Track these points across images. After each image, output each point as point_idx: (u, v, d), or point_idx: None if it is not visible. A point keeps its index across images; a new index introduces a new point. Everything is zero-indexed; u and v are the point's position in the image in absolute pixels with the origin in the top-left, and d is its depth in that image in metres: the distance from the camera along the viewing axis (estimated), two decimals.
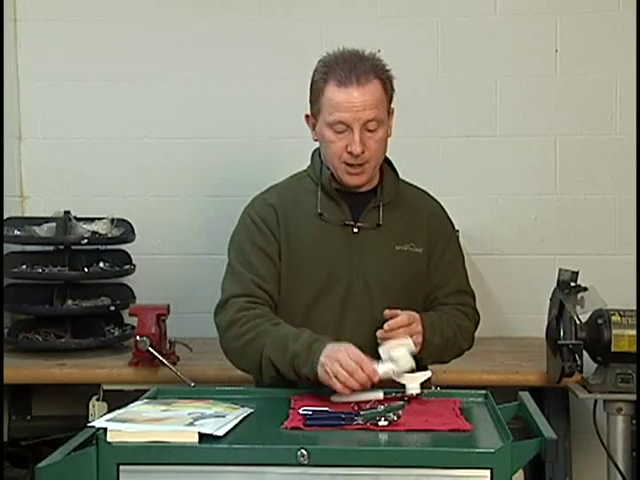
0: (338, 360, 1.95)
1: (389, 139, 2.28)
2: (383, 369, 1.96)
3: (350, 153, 2.16)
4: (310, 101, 2.23)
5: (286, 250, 2.24)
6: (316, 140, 2.26)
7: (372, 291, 2.22)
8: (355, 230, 2.24)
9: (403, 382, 1.96)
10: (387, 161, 2.33)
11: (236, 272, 2.25)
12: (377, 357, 2.02)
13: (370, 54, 2.20)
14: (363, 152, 2.16)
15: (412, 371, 1.97)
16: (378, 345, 2.07)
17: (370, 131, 2.16)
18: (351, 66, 2.14)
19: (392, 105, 2.25)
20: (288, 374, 2.09)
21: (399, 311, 2.11)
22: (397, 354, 1.97)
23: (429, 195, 2.39)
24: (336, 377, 1.94)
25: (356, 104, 2.13)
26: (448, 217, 2.37)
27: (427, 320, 2.16)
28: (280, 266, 2.23)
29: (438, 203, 2.38)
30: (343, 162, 2.19)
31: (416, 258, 2.26)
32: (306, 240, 2.24)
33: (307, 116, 2.27)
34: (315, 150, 2.32)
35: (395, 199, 2.28)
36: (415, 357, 2.04)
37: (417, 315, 2.13)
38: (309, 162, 2.35)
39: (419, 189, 2.39)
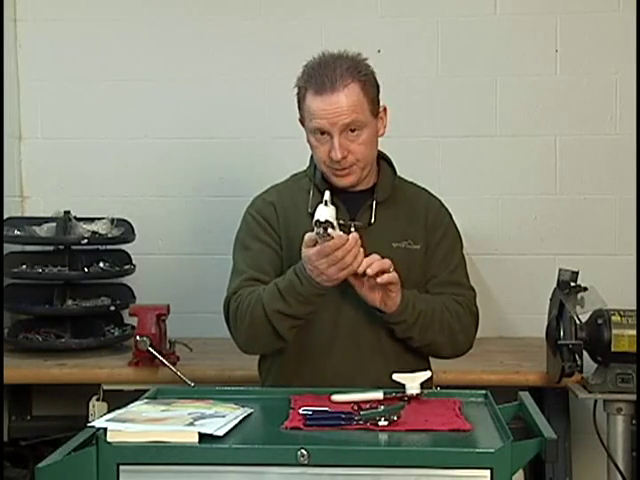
0: (316, 268, 2.01)
1: (385, 137, 2.28)
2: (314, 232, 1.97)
3: (332, 158, 2.17)
4: (297, 106, 2.25)
5: (285, 246, 2.26)
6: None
7: None
8: (352, 229, 2.24)
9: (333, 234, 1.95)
10: (385, 159, 2.34)
11: (238, 270, 2.28)
12: (369, 354, 2.14)
13: (350, 55, 2.20)
14: (345, 157, 2.16)
15: (329, 224, 1.94)
16: (375, 343, 2.14)
17: (352, 135, 2.16)
18: (326, 72, 2.15)
19: (383, 103, 2.25)
20: (299, 308, 2.11)
21: (375, 256, 2.08)
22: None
23: (427, 192, 2.39)
24: (332, 278, 2.02)
25: (330, 111, 2.14)
26: (447, 213, 2.37)
27: (410, 291, 2.16)
28: (282, 257, 2.25)
29: (437, 199, 2.38)
30: (329, 166, 2.21)
31: (414, 254, 2.27)
32: (301, 240, 2.24)
33: (300, 120, 2.28)
34: None
35: (392, 196, 2.29)
36: (403, 325, 2.14)
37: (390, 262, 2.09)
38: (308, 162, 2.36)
39: (417, 186, 2.39)
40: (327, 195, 1.96)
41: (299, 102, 2.23)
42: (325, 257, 1.99)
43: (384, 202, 2.28)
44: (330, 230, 1.94)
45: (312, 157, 2.33)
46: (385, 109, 2.27)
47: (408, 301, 2.14)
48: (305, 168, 2.37)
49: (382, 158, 2.33)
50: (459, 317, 2.25)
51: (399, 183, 2.34)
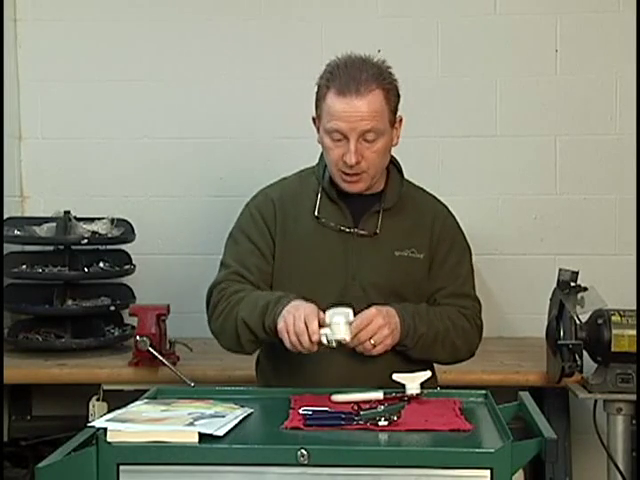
0: (294, 317, 2.00)
1: (396, 147, 2.26)
2: (322, 332, 1.98)
3: (346, 162, 2.15)
4: (315, 104, 2.22)
5: (281, 246, 2.26)
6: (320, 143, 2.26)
7: (369, 295, 2.20)
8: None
9: (337, 341, 1.98)
10: (395, 164, 2.32)
11: (225, 263, 2.30)
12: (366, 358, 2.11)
13: (376, 61, 2.17)
14: (359, 162, 2.14)
15: (343, 343, 1.99)
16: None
17: (368, 141, 2.14)
18: (353, 74, 2.11)
19: (399, 113, 2.22)
20: (257, 330, 2.12)
21: (373, 309, 2.07)
22: (334, 321, 1.98)
23: (436, 199, 2.36)
24: (288, 333, 2.01)
25: (353, 114, 2.10)
26: (455, 221, 2.35)
27: (413, 309, 2.16)
28: (273, 263, 2.26)
29: (445, 207, 2.35)
30: (340, 170, 2.18)
31: (417, 264, 2.25)
32: (301, 239, 2.25)
33: (314, 118, 2.25)
34: None
35: (399, 203, 2.27)
36: (403, 347, 2.13)
37: (389, 317, 2.08)
38: (314, 161, 2.34)
39: (427, 192, 2.36)
40: (351, 316, 1.99)
41: (317, 100, 2.19)
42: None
43: (390, 209, 2.25)
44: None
45: (322, 155, 2.30)
46: (401, 120, 2.23)
47: (409, 328, 2.13)
48: (314, 165, 2.34)
49: (391, 163, 2.30)
50: (465, 333, 2.26)
51: (407, 189, 2.30)
